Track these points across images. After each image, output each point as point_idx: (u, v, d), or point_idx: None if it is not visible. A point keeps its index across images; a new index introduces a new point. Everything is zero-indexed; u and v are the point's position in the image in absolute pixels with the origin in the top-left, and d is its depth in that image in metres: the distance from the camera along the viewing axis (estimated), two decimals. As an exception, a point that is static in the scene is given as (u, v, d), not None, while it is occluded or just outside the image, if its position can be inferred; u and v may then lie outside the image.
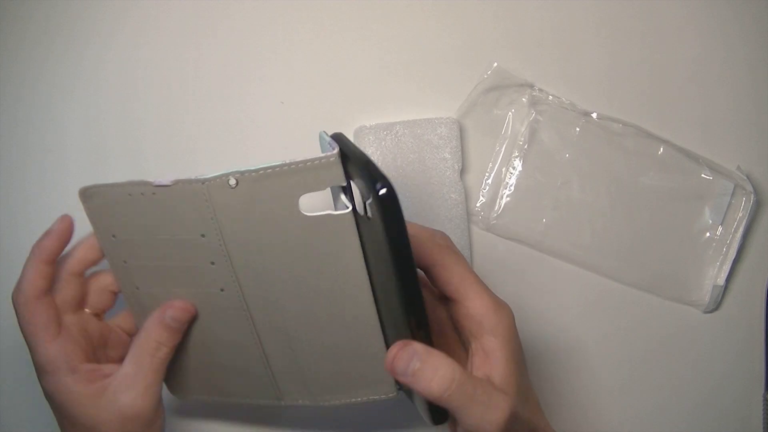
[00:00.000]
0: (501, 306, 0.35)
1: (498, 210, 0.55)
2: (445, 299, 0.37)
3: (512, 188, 0.55)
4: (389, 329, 0.37)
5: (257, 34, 0.55)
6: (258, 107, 0.54)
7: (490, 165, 0.55)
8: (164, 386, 0.41)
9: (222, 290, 0.38)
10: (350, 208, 0.34)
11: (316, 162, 0.32)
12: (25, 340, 0.36)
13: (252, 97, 0.55)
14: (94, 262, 0.40)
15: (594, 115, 0.55)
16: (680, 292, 0.55)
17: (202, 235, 0.35)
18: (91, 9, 0.54)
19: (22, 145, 0.54)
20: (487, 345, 0.34)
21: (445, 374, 0.32)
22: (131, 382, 0.36)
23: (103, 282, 0.41)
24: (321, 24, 0.55)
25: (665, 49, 0.56)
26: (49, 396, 0.36)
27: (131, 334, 0.42)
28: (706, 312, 0.55)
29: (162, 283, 0.39)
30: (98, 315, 0.41)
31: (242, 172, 0.33)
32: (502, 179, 0.55)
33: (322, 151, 0.34)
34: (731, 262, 0.54)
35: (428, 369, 0.32)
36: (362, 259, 0.35)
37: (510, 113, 0.55)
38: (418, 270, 0.35)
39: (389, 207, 0.30)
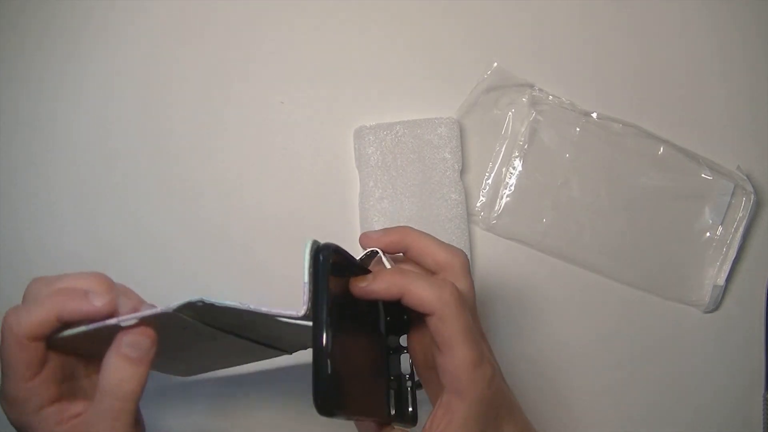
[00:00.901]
0: (480, 366, 0.35)
1: (498, 210, 0.55)
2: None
3: (512, 188, 0.55)
4: None
5: (257, 34, 0.55)
6: (258, 107, 0.54)
7: (490, 165, 0.55)
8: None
9: (215, 339, 0.38)
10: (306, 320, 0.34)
11: (278, 316, 0.33)
12: (0, 363, 0.33)
13: (252, 97, 0.55)
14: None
15: (594, 115, 0.55)
16: (680, 292, 0.55)
17: (184, 328, 0.35)
18: (92, 9, 0.54)
19: (21, 145, 0.54)
20: (453, 404, 0.35)
21: None
22: (95, 429, 0.33)
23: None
24: (321, 24, 0.55)
25: (665, 49, 0.56)
26: (12, 422, 0.34)
27: None
28: (706, 312, 0.55)
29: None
30: None
31: (205, 302, 0.32)
32: (502, 179, 0.55)
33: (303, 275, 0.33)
34: (731, 262, 0.54)
35: None
36: None
37: (510, 113, 0.55)
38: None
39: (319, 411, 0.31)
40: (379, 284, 0.35)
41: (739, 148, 0.56)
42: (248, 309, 0.32)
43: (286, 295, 0.53)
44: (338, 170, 0.54)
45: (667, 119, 0.55)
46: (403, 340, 0.39)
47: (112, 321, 0.32)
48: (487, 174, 0.55)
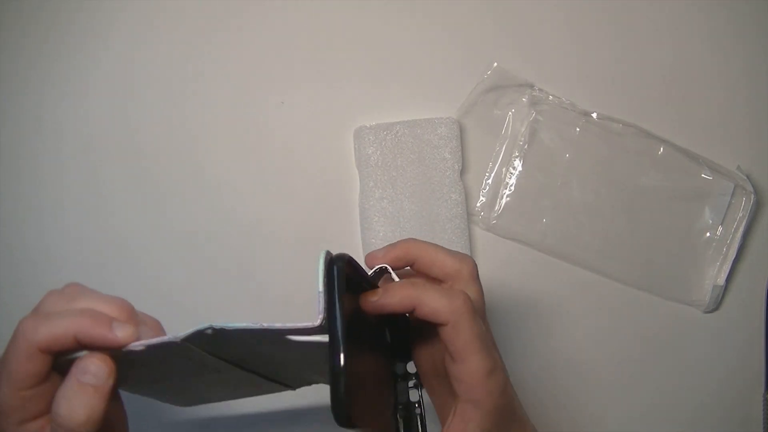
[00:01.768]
0: (493, 373, 0.35)
1: (498, 210, 0.55)
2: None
3: (512, 188, 0.55)
4: None
5: (257, 34, 0.55)
6: (258, 107, 0.54)
7: (490, 165, 0.55)
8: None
9: (218, 371, 0.36)
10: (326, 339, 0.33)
11: (294, 330, 0.31)
12: (2, 363, 0.32)
13: (252, 97, 0.55)
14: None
15: (594, 115, 0.55)
16: (680, 292, 0.55)
17: (189, 359, 0.34)
18: (90, 9, 0.54)
19: (20, 145, 0.54)
20: (468, 414, 0.35)
21: None
22: None
23: None
24: (321, 24, 0.55)
25: (665, 49, 0.56)
26: None
27: None
28: (706, 312, 0.55)
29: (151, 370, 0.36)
30: None
31: (216, 328, 0.31)
32: (502, 179, 0.55)
33: (316, 280, 0.33)
34: (731, 262, 0.54)
35: None
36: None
37: (510, 113, 0.55)
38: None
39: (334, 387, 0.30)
40: (391, 297, 0.35)
41: (739, 148, 0.56)
42: (261, 327, 0.31)
43: (287, 293, 0.54)
44: (338, 170, 0.54)
45: (667, 119, 0.55)
46: (410, 367, 0.39)
47: (118, 350, 0.31)
48: (487, 174, 0.55)
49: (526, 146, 0.55)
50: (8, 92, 0.54)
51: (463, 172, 0.54)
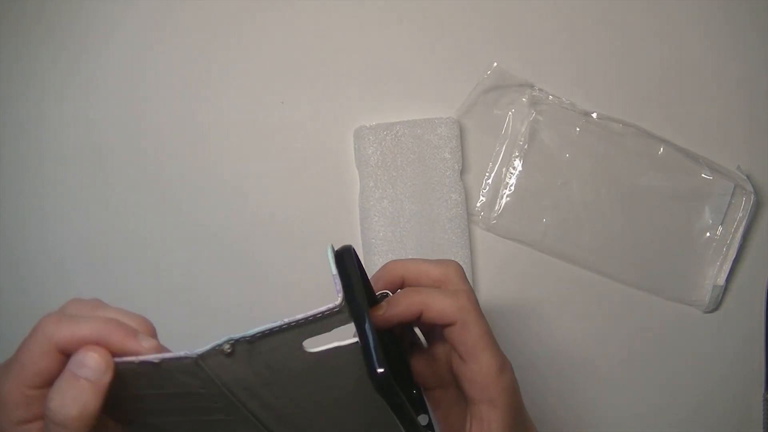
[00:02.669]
0: (504, 370, 0.35)
1: (498, 210, 0.55)
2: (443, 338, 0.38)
3: (512, 188, 0.55)
4: None
5: (258, 34, 0.55)
6: (258, 107, 0.54)
7: (490, 165, 0.55)
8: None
9: (229, 416, 0.34)
10: (356, 340, 0.32)
11: (318, 316, 0.30)
12: (14, 357, 0.32)
13: (252, 97, 0.55)
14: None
15: (594, 115, 0.55)
16: (680, 292, 0.55)
17: (201, 389, 0.32)
18: (93, 9, 0.54)
19: (20, 146, 0.54)
20: (486, 415, 0.35)
21: None
22: None
23: None
24: (321, 24, 0.55)
25: (665, 49, 0.56)
26: None
27: None
28: (706, 312, 0.55)
29: (160, 416, 0.35)
30: None
31: (236, 339, 0.30)
32: (502, 179, 0.55)
33: (330, 269, 0.32)
34: (731, 262, 0.54)
35: None
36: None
37: (510, 113, 0.55)
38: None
39: (384, 393, 0.30)
40: (397, 306, 0.35)
41: (739, 148, 0.56)
42: (283, 323, 0.30)
43: (287, 293, 0.54)
44: (338, 170, 0.54)
45: (667, 119, 0.55)
46: (423, 419, 0.39)
47: (132, 359, 0.30)
48: (487, 174, 0.55)
49: (526, 146, 0.55)
50: (12, 92, 0.54)
51: (463, 172, 0.54)
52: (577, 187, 0.55)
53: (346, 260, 0.32)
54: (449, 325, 0.35)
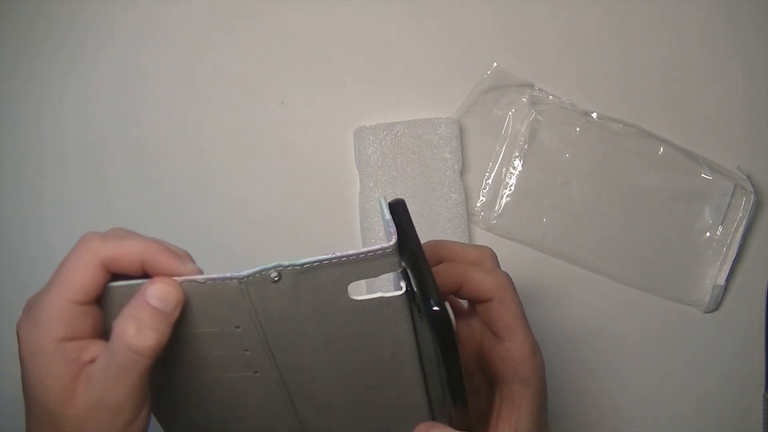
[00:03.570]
0: (537, 351, 0.35)
1: (498, 210, 0.55)
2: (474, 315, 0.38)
3: (512, 188, 0.55)
4: (434, 397, 0.36)
5: (258, 34, 0.55)
6: (258, 107, 0.54)
7: (490, 165, 0.55)
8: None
9: (256, 372, 0.34)
10: (404, 289, 0.31)
11: (370, 254, 0.29)
12: (54, 276, 0.31)
13: (252, 97, 0.55)
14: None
15: (594, 115, 0.55)
16: (680, 292, 0.55)
17: (236, 327, 0.32)
18: (91, 9, 0.54)
19: (20, 146, 0.54)
20: (518, 394, 0.35)
21: None
22: (100, 377, 0.30)
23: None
24: (321, 24, 0.55)
25: (665, 49, 0.56)
26: (24, 342, 0.30)
27: None
28: (706, 312, 0.55)
29: (187, 371, 0.34)
30: None
31: (285, 266, 0.29)
32: (502, 179, 0.55)
33: (382, 218, 0.32)
34: (731, 262, 0.54)
35: None
36: (414, 343, 0.33)
37: (510, 113, 0.55)
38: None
39: (440, 328, 0.29)
40: (439, 276, 0.34)
41: (739, 148, 0.56)
42: (334, 256, 0.29)
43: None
44: (338, 170, 0.54)
45: (667, 119, 0.55)
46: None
47: (178, 279, 0.30)
48: (487, 174, 0.55)
49: (526, 146, 0.55)
50: (12, 92, 0.54)
51: (463, 172, 0.54)
52: (577, 187, 0.55)
53: (400, 209, 0.32)
54: (486, 300, 0.35)
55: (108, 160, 0.54)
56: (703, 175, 0.54)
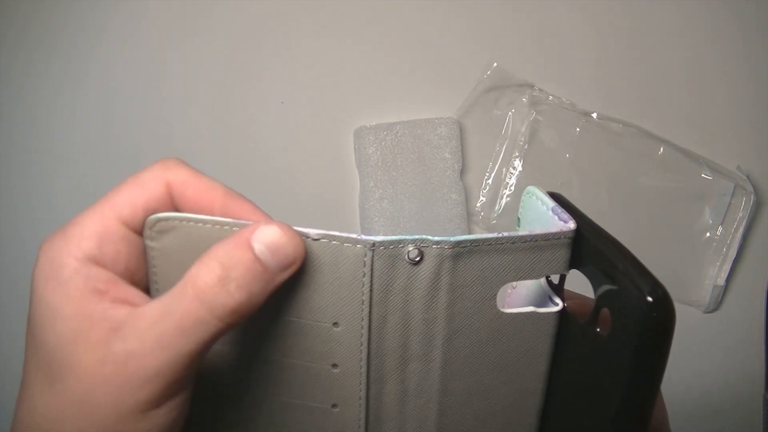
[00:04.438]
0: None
1: (498, 210, 0.55)
2: None
3: (512, 188, 0.55)
4: None
5: (258, 34, 0.55)
6: (258, 107, 0.54)
7: (490, 165, 0.55)
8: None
9: (334, 407, 0.25)
10: (560, 306, 0.24)
11: (545, 240, 0.23)
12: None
13: (252, 97, 0.55)
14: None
15: (594, 115, 0.55)
16: (680, 292, 0.55)
17: (334, 324, 0.23)
18: (94, 9, 0.54)
19: (24, 144, 0.54)
20: None
21: None
22: (143, 326, 0.20)
23: None
24: (321, 24, 0.55)
25: (665, 49, 0.56)
26: (46, 255, 0.22)
27: None
28: (706, 312, 0.55)
29: (245, 372, 0.24)
30: None
31: (431, 242, 0.22)
32: (502, 179, 0.55)
33: (533, 212, 0.26)
34: (731, 262, 0.54)
35: None
36: (544, 377, 0.25)
37: (510, 113, 0.55)
38: None
39: (658, 330, 0.22)
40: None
41: (739, 148, 0.56)
42: (500, 235, 0.22)
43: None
44: (338, 170, 0.54)
45: (667, 119, 0.55)
46: None
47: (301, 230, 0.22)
48: (487, 174, 0.55)
49: (526, 146, 0.55)
50: (12, 93, 0.54)
51: (463, 172, 0.54)
52: (577, 187, 0.55)
53: (562, 198, 0.26)
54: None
55: (108, 160, 0.54)
56: (703, 175, 0.54)
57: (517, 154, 0.55)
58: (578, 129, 0.55)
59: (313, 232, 0.22)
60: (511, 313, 0.24)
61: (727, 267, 0.54)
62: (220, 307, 0.20)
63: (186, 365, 0.20)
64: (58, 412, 0.20)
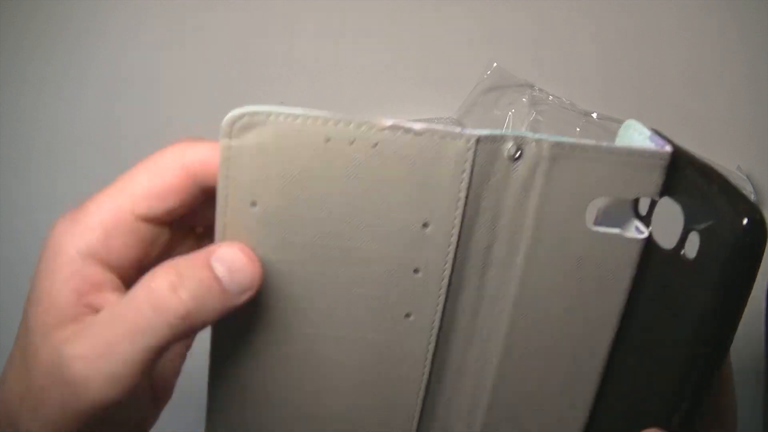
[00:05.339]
0: None
1: (498, 210, 0.55)
2: None
3: (512, 188, 0.55)
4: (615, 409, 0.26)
5: (258, 34, 0.55)
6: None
7: (490, 165, 0.55)
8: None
9: (408, 316, 0.23)
10: (645, 234, 0.24)
11: (637, 157, 0.22)
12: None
13: (252, 97, 0.54)
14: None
15: (594, 115, 0.55)
16: (680, 292, 0.55)
17: (424, 225, 0.22)
18: (95, 8, 0.54)
19: (19, 146, 0.54)
20: None
21: None
22: (98, 332, 0.20)
23: None
24: (321, 24, 0.55)
25: (665, 49, 0.56)
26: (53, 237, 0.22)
27: None
28: (706, 312, 0.55)
29: (306, 292, 0.23)
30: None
31: (531, 139, 0.21)
32: (502, 179, 0.55)
33: (628, 139, 0.25)
34: (731, 262, 0.54)
35: None
36: (622, 305, 0.25)
37: (510, 113, 0.55)
38: None
39: (750, 253, 0.22)
40: None
41: (739, 148, 0.56)
42: (601, 145, 0.22)
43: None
44: (338, 170, 0.54)
45: (666, 119, 0.55)
46: None
47: (387, 122, 0.20)
48: (487, 174, 0.55)
49: (526, 146, 0.55)
50: (12, 91, 0.54)
51: (463, 172, 0.54)
52: (577, 187, 0.55)
53: (660, 132, 0.25)
54: None
55: (109, 159, 0.54)
56: (703, 175, 0.54)
57: (517, 154, 0.55)
58: (578, 129, 0.55)
59: (417, 126, 0.21)
60: (597, 232, 0.23)
61: (727, 267, 0.54)
62: (170, 312, 0.20)
63: (135, 371, 0.20)
64: (22, 394, 0.21)
